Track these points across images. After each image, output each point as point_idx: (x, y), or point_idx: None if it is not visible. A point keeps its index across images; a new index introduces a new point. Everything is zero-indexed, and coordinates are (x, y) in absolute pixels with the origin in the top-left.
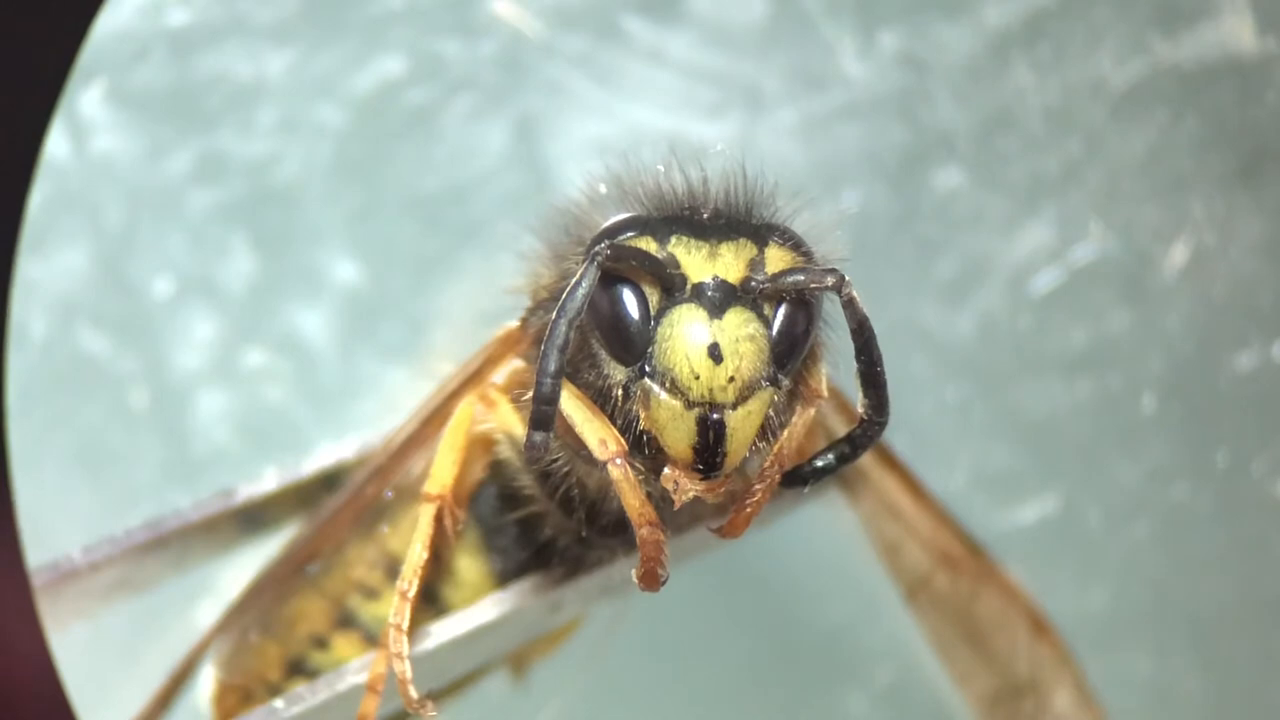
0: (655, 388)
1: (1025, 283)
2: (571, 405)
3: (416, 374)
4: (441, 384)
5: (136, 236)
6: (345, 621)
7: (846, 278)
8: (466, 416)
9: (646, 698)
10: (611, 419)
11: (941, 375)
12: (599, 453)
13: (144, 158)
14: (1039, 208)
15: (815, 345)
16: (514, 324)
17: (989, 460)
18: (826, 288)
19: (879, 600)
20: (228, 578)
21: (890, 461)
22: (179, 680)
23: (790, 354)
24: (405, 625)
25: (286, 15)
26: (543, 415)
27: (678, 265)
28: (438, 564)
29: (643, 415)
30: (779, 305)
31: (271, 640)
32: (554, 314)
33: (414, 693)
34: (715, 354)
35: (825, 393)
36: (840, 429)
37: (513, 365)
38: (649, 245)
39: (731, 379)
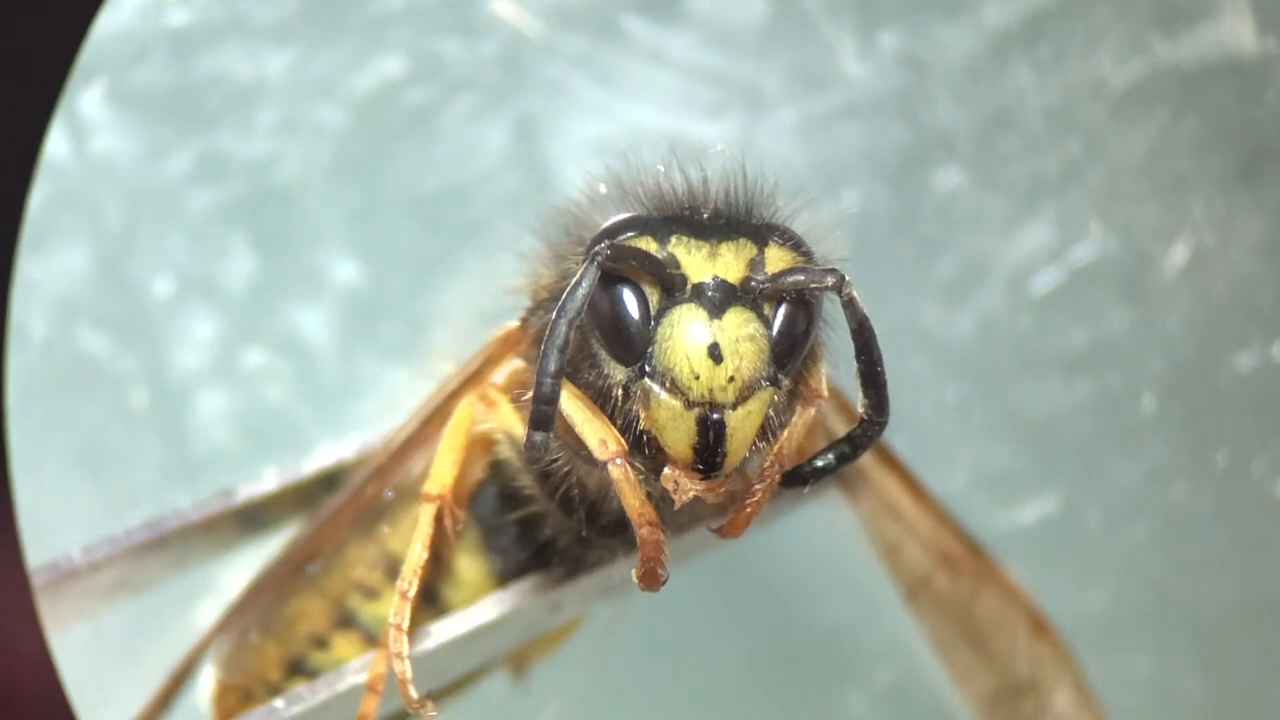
0: (655, 388)
1: (1025, 283)
2: (571, 405)
3: (416, 374)
4: (441, 384)
5: (136, 236)
6: (345, 621)
7: (846, 278)
8: (466, 416)
9: (646, 698)
10: (611, 419)
11: (941, 375)
12: (599, 453)
13: (144, 158)
14: (1039, 208)
15: (815, 345)
16: (514, 324)
17: (989, 460)
18: (826, 288)
19: (879, 600)
20: (228, 578)
21: (890, 461)
22: (179, 680)
23: (790, 354)
24: (405, 625)
25: (286, 15)
26: (543, 415)
27: (678, 265)
28: (438, 564)
29: (643, 415)
30: (779, 305)
31: (271, 640)
32: (554, 314)
33: (414, 693)
34: (715, 354)
35: (825, 393)
36: (840, 429)
37: (513, 365)
38: (649, 245)
39: (731, 379)
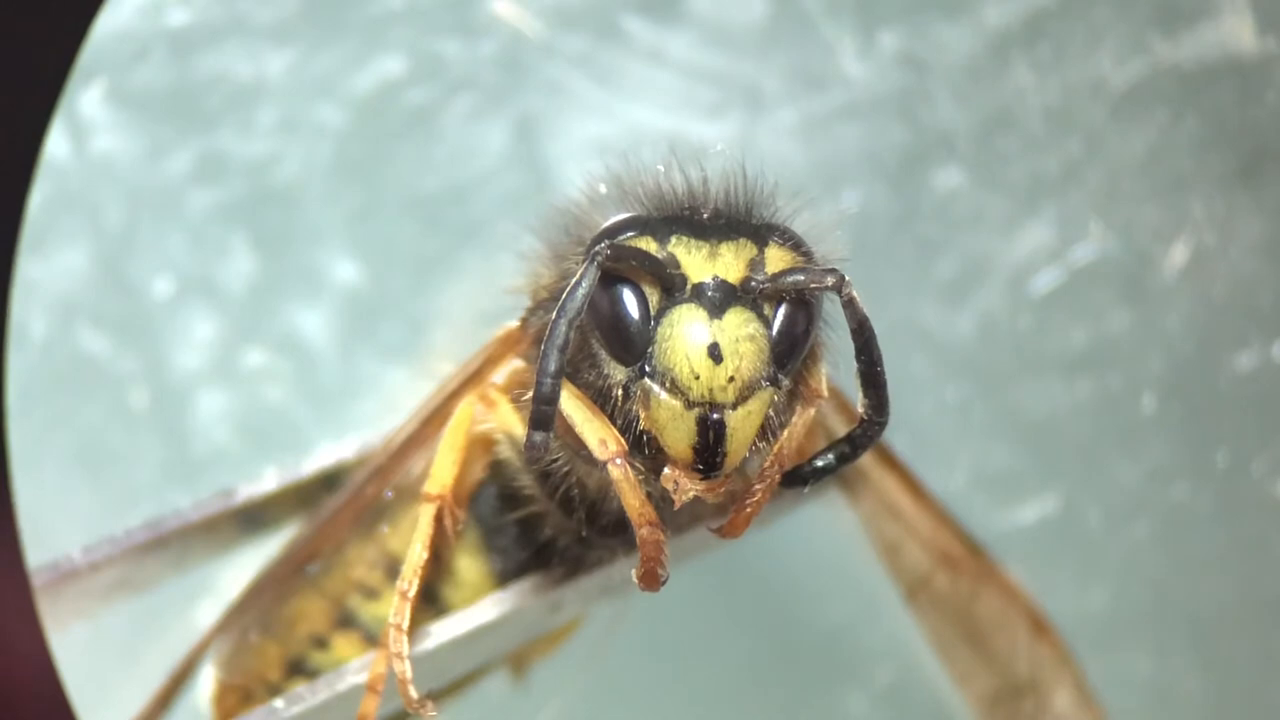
0: (655, 388)
1: (1025, 283)
2: (571, 405)
3: (416, 374)
4: (441, 384)
5: (136, 236)
6: (345, 621)
7: (846, 278)
8: (466, 416)
9: (646, 698)
10: (611, 419)
11: (941, 375)
12: (599, 453)
13: (144, 158)
14: (1039, 208)
15: (815, 345)
16: (514, 324)
17: (989, 460)
18: (826, 288)
19: (879, 600)
20: (228, 578)
21: (890, 461)
22: (179, 680)
23: (790, 354)
24: (405, 625)
25: (286, 15)
26: (543, 415)
27: (678, 265)
28: (438, 564)
29: (643, 415)
30: (779, 305)
31: (271, 640)
32: (554, 314)
33: (414, 693)
34: (715, 354)
35: (825, 393)
36: (840, 429)
37: (513, 365)
38: (649, 245)
39: (731, 379)
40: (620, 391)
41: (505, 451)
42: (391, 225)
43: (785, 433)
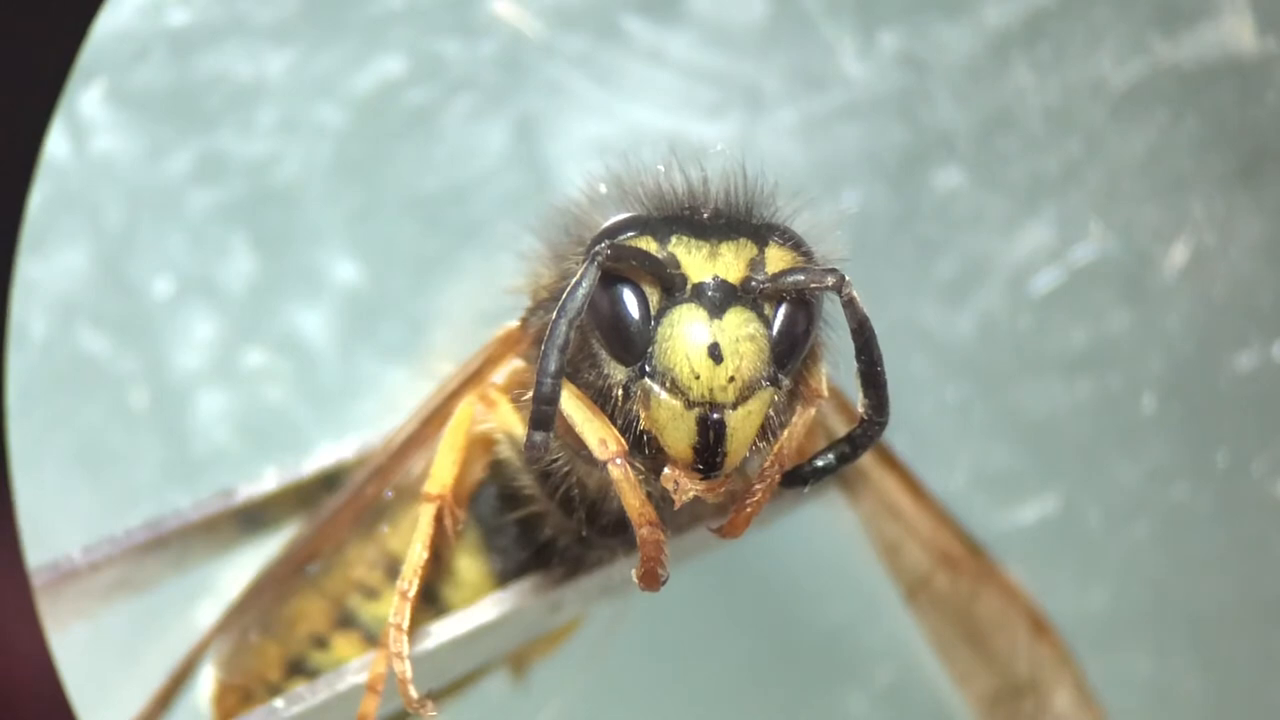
0: (655, 388)
1: (1025, 283)
2: (571, 405)
3: (416, 374)
4: (441, 384)
5: (136, 236)
6: (345, 621)
7: (846, 278)
8: (466, 416)
9: (646, 698)
10: (611, 419)
11: (941, 375)
12: (599, 453)
13: (144, 158)
14: (1039, 208)
15: (815, 345)
16: (514, 324)
17: (989, 460)
18: (826, 288)
19: (879, 600)
20: (228, 578)
21: (890, 461)
22: (179, 680)
23: (790, 354)
24: (405, 625)
25: (286, 15)
26: (543, 415)
27: (678, 265)
28: (438, 564)
29: (643, 415)
30: (779, 305)
31: (271, 640)
32: (554, 314)
33: (414, 693)
34: (715, 354)
35: (825, 393)
36: (840, 429)
37: (513, 365)
38: (649, 245)
39: (731, 379)
40: (620, 391)
41: (505, 451)
42: (391, 225)
43: (785, 433)
